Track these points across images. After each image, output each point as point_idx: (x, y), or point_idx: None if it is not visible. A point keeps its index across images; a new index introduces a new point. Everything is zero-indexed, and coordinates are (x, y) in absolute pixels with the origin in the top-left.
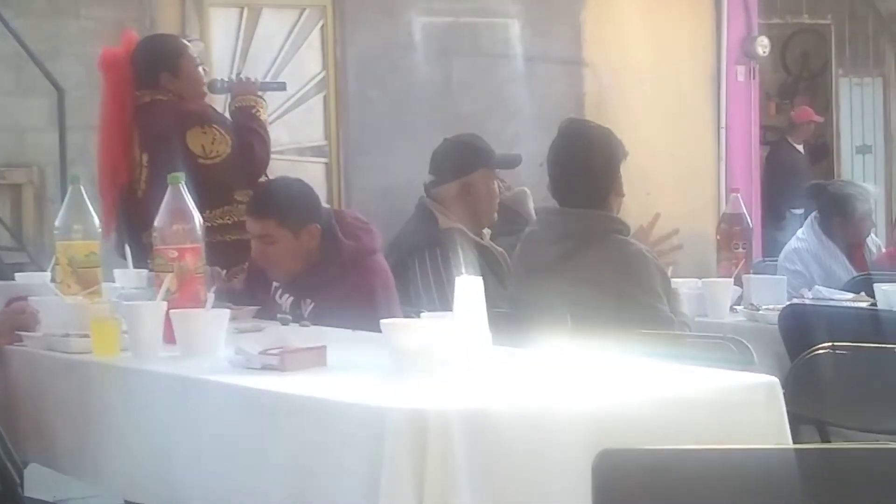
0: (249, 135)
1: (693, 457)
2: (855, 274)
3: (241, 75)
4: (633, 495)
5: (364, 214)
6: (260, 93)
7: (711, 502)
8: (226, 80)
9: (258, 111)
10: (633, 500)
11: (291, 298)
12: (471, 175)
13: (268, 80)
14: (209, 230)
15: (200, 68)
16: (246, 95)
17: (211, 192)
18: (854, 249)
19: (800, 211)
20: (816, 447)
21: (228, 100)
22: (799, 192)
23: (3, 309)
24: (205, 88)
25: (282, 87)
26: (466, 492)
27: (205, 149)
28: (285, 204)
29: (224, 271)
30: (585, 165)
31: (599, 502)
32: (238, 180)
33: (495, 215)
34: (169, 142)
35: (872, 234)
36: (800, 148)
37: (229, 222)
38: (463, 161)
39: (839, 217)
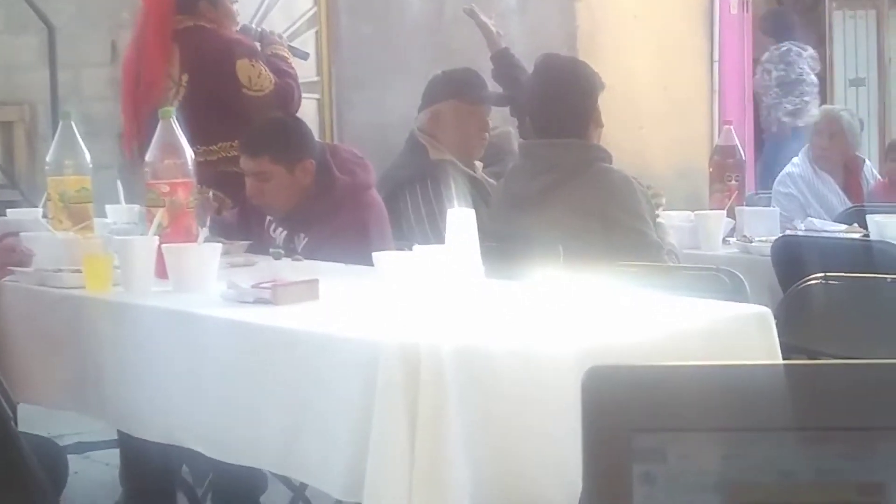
0: (288, 77)
1: (683, 373)
2: (849, 203)
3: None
4: (622, 412)
5: (357, 150)
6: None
7: (701, 418)
8: (258, 29)
9: (291, 63)
10: (623, 417)
11: (285, 233)
12: (439, 104)
13: (294, 45)
14: (236, 160)
15: (235, 6)
16: (277, 46)
17: (247, 123)
18: (849, 178)
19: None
20: (806, 363)
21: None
22: None
23: None
24: (236, 27)
25: (305, 56)
26: (458, 421)
27: (251, 81)
28: (279, 141)
29: (210, 192)
30: (563, 96)
31: (588, 420)
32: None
33: (482, 149)
34: (217, 67)
35: (868, 164)
36: None
37: None
38: (434, 90)
39: (817, 137)
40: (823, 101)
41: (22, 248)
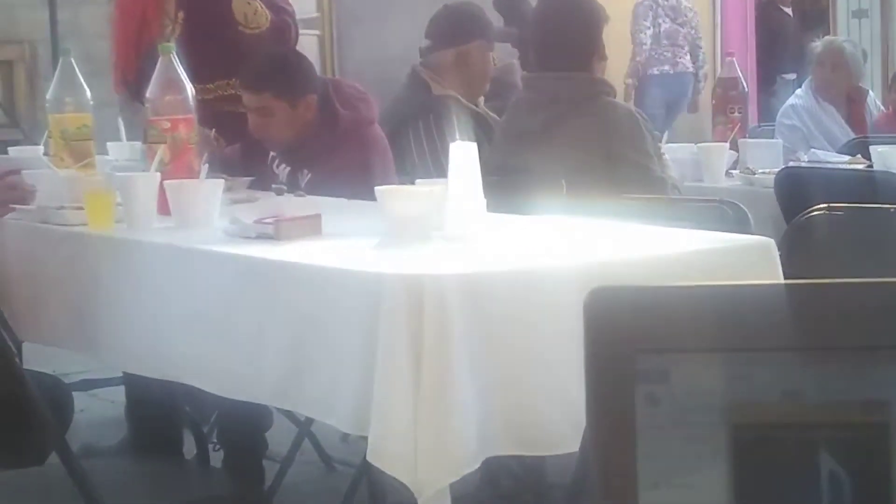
0: (285, 14)
1: (686, 294)
2: (852, 134)
3: None
4: (625, 333)
5: (360, 85)
6: None
7: (704, 338)
8: None
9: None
10: (626, 338)
11: (288, 169)
12: (468, 45)
13: None
14: (233, 98)
15: None
16: None
17: (242, 61)
18: (853, 109)
19: (791, 76)
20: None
21: None
22: (788, 57)
23: None
24: None
25: None
26: (462, 349)
27: (247, 18)
28: (281, 75)
29: (213, 131)
30: (566, 29)
31: (591, 341)
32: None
33: (487, 87)
34: (212, 4)
35: (872, 94)
36: (788, 11)
37: None
38: (461, 29)
39: (819, 68)
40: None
41: (24, 185)
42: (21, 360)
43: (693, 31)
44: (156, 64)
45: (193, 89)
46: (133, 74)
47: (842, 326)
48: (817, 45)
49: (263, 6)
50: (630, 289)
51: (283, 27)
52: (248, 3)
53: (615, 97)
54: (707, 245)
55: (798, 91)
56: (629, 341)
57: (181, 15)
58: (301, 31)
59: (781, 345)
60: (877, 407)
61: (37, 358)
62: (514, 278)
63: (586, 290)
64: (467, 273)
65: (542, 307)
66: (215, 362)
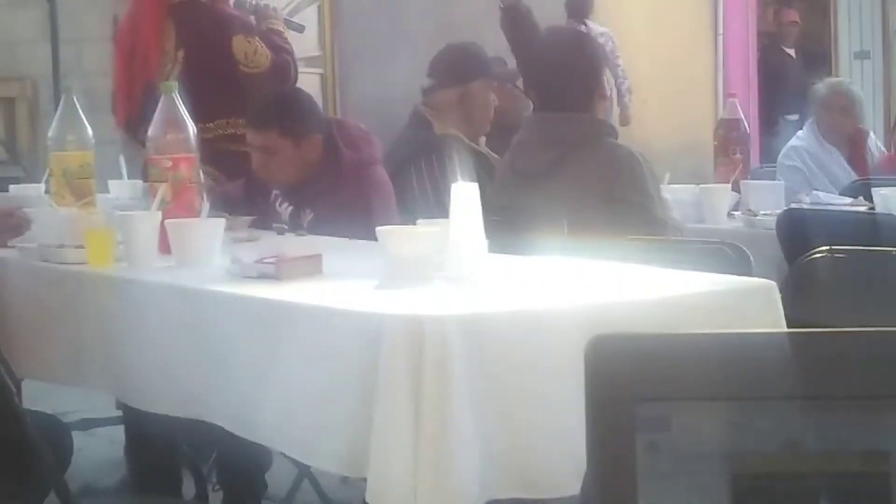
0: (284, 54)
1: (687, 341)
2: (854, 175)
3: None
4: (625, 381)
5: (363, 125)
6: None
7: (705, 386)
8: (252, 2)
9: (287, 38)
10: (626, 386)
11: (291, 207)
12: (470, 84)
13: (289, 18)
14: (233, 137)
15: None
16: (272, 20)
17: (243, 100)
18: (854, 150)
19: (794, 117)
20: (810, 331)
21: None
22: (791, 98)
23: None
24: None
25: (301, 28)
26: (462, 394)
27: (247, 57)
28: (287, 114)
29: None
30: (568, 70)
31: (592, 389)
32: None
33: (489, 126)
34: (212, 43)
35: (873, 136)
36: (791, 52)
37: None
38: (464, 69)
39: (825, 111)
40: (827, 74)
41: (21, 213)
42: (20, 399)
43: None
44: (156, 103)
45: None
46: (133, 113)
47: (843, 376)
48: (822, 87)
49: (263, 45)
50: (630, 336)
51: (284, 66)
52: (248, 42)
53: (617, 138)
54: (709, 287)
55: (800, 132)
56: (630, 389)
57: (181, 54)
58: (303, 70)
59: (782, 394)
60: (877, 458)
61: (36, 397)
62: (515, 320)
63: (588, 332)
64: (468, 314)
65: (543, 349)
66: (215, 400)
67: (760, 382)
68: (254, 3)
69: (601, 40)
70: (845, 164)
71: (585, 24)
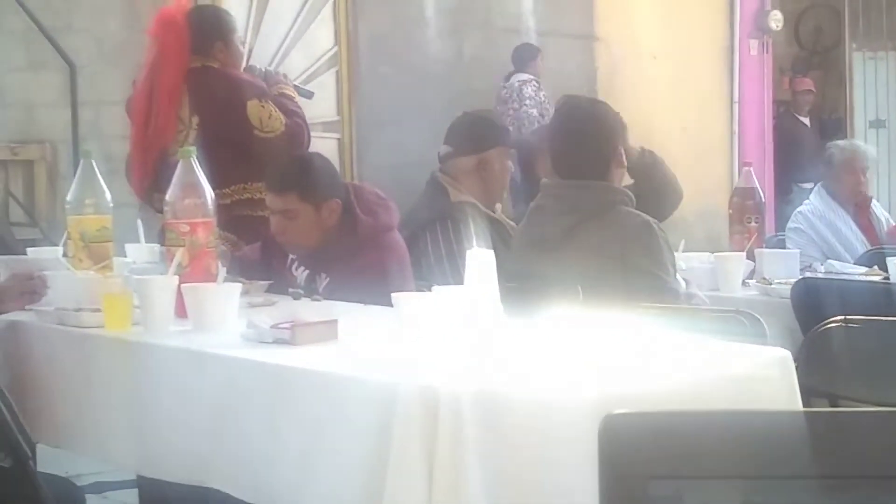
0: (297, 118)
1: (700, 420)
2: (862, 237)
3: (273, 69)
4: (639, 459)
5: (380, 190)
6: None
7: (719, 465)
8: (261, 69)
9: (297, 102)
10: (640, 465)
11: (307, 272)
12: (488, 152)
13: (298, 84)
14: (249, 202)
15: (242, 47)
16: (282, 86)
17: (262, 164)
18: (860, 215)
19: (809, 185)
20: (825, 410)
21: None
22: (805, 166)
23: (10, 275)
24: (242, 67)
25: (310, 95)
26: (476, 470)
27: (262, 122)
28: (307, 178)
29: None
30: (585, 138)
31: (605, 468)
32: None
33: (504, 193)
34: (227, 109)
35: (876, 202)
36: (805, 120)
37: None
38: (481, 137)
39: (828, 171)
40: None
41: (39, 276)
42: (35, 462)
43: (510, 106)
44: (171, 170)
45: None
46: (147, 180)
47: (858, 455)
48: (834, 149)
49: (277, 109)
50: (644, 415)
51: (297, 130)
52: (263, 107)
53: (633, 206)
54: (723, 356)
55: (807, 199)
56: (643, 467)
57: (195, 120)
58: (321, 134)
59: (796, 473)
60: None
61: (50, 459)
62: (530, 391)
63: (601, 408)
64: (484, 389)
65: (558, 421)
66: (230, 466)
67: (774, 461)
68: (262, 69)
69: (527, 89)
70: (853, 226)
71: (523, 74)
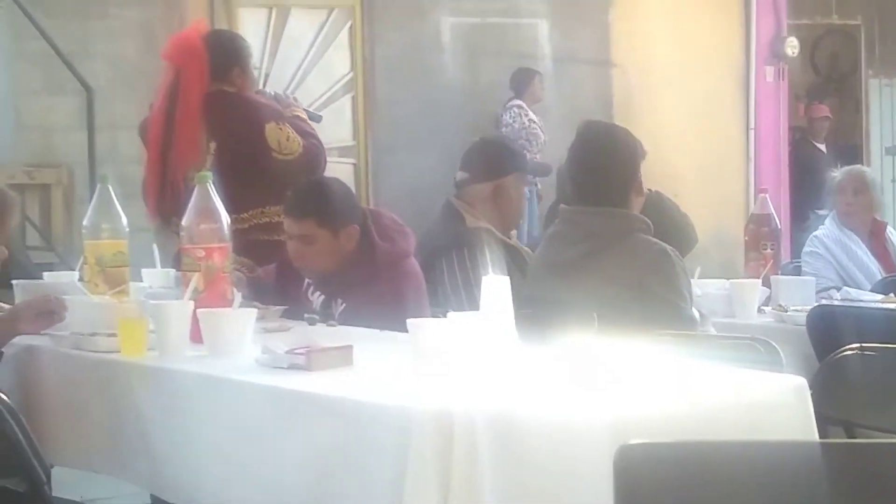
0: (313, 139)
1: (715, 450)
2: (877, 264)
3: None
4: (654, 490)
5: (398, 216)
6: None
7: (734, 496)
8: (272, 93)
9: (310, 124)
10: (655, 495)
11: (322, 297)
12: (505, 178)
13: (309, 108)
14: (268, 226)
15: (255, 72)
16: (294, 108)
17: (279, 188)
18: (875, 241)
19: (824, 212)
20: (841, 442)
21: None
22: (821, 192)
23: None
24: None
25: (319, 118)
26: (491, 491)
27: (280, 144)
28: (326, 204)
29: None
30: (605, 164)
31: (621, 498)
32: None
33: (520, 220)
34: (246, 132)
35: (892, 229)
36: (822, 147)
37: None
38: (498, 163)
39: (840, 195)
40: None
41: (56, 298)
42: (50, 486)
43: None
44: (190, 194)
45: (229, 218)
46: (166, 205)
47: (875, 487)
48: (836, 174)
49: (294, 131)
50: (659, 445)
51: (315, 152)
52: (280, 129)
53: (651, 233)
54: (739, 384)
55: (822, 224)
56: (659, 498)
57: (213, 145)
58: (337, 160)
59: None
60: None
61: (65, 483)
62: (545, 417)
63: (616, 435)
64: (498, 410)
65: (572, 446)
66: (244, 491)
67: (790, 493)
68: (272, 93)
69: (506, 115)
70: (868, 252)
71: (522, 103)
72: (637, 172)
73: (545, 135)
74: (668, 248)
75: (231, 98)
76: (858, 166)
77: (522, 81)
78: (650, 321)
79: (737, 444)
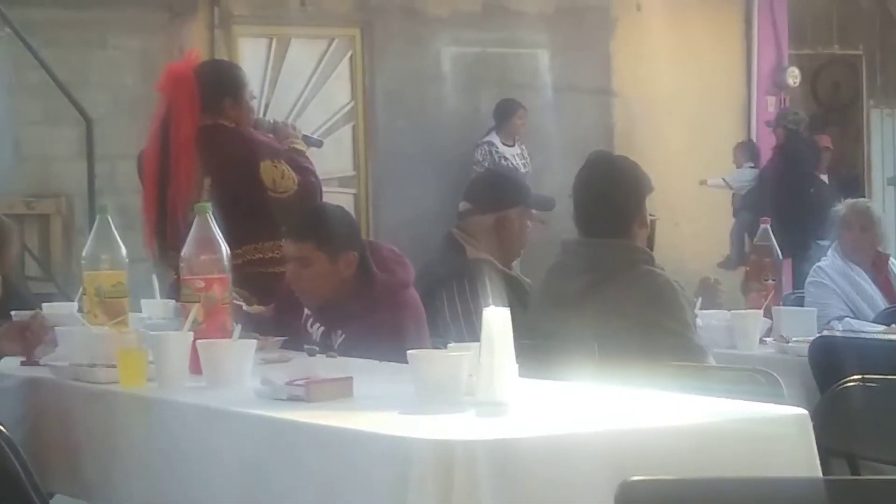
0: (310, 175)
1: (716, 487)
2: (878, 292)
3: (281, 121)
4: None
5: (393, 245)
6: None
7: None
8: (271, 121)
9: (308, 157)
10: None
11: (322, 328)
12: (508, 210)
13: (308, 134)
14: (261, 261)
15: (253, 102)
16: (292, 139)
17: (274, 225)
18: (878, 273)
19: (826, 242)
20: (845, 479)
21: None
22: (823, 223)
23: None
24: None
25: (319, 144)
26: None
27: (275, 183)
28: (325, 228)
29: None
30: (608, 195)
31: None
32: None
33: (522, 252)
34: (240, 170)
35: (893, 260)
36: (823, 177)
37: (278, 255)
38: (501, 195)
39: (846, 230)
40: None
41: (36, 321)
42: None
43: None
44: (188, 229)
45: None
46: (164, 239)
47: None
48: (841, 208)
49: (289, 169)
50: (660, 482)
51: (310, 189)
52: (275, 167)
53: (653, 265)
54: (740, 416)
55: (825, 256)
56: None
57: (208, 181)
58: (336, 190)
59: None
60: None
61: None
62: (545, 449)
63: (619, 463)
64: (498, 441)
65: (573, 479)
66: None
67: None
68: (271, 121)
69: (478, 153)
70: (871, 283)
71: (494, 140)
72: (641, 205)
73: (526, 168)
74: (672, 279)
75: (227, 134)
76: (864, 200)
77: (503, 114)
78: (656, 353)
79: (739, 481)
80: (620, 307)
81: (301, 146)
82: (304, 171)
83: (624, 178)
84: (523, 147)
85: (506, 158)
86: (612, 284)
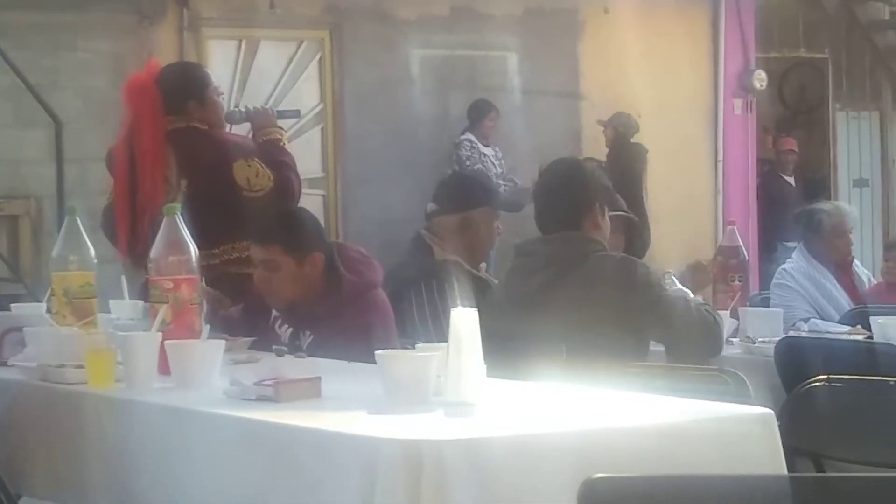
0: (285, 169)
1: (680, 484)
2: (844, 293)
3: (254, 106)
4: None
5: (362, 247)
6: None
7: None
8: (242, 110)
9: (284, 143)
10: None
11: (290, 329)
12: (473, 211)
13: (280, 108)
14: (238, 261)
15: (221, 98)
16: (268, 127)
17: (245, 224)
18: (841, 272)
19: (793, 244)
20: (809, 476)
21: (250, 132)
22: (789, 224)
23: None
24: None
25: (297, 114)
26: None
27: (249, 182)
28: (291, 231)
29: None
30: (557, 192)
31: None
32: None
33: (489, 252)
34: (214, 171)
35: (858, 262)
36: (790, 179)
37: None
38: (466, 196)
39: (815, 234)
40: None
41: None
42: None
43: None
44: (154, 230)
45: (200, 254)
46: (135, 242)
47: None
48: (824, 210)
49: (264, 166)
50: (624, 479)
51: (286, 185)
52: (249, 166)
53: (606, 251)
54: (706, 416)
55: (790, 257)
56: None
57: (184, 183)
58: (306, 191)
59: None
60: None
61: None
62: (513, 447)
63: (585, 461)
64: (466, 440)
65: (540, 477)
66: None
67: None
68: (243, 110)
69: (462, 150)
70: (836, 284)
71: (472, 137)
72: (592, 201)
73: (501, 168)
74: (626, 255)
75: (199, 135)
76: (840, 204)
77: (477, 114)
78: (630, 327)
79: (703, 477)
80: (585, 298)
81: (278, 133)
82: (279, 165)
83: (571, 174)
84: (497, 148)
85: (485, 155)
86: (572, 277)
